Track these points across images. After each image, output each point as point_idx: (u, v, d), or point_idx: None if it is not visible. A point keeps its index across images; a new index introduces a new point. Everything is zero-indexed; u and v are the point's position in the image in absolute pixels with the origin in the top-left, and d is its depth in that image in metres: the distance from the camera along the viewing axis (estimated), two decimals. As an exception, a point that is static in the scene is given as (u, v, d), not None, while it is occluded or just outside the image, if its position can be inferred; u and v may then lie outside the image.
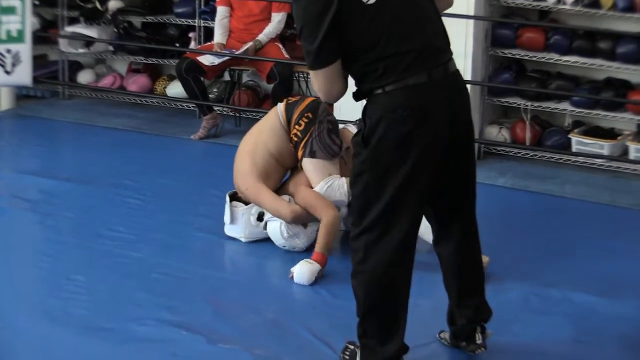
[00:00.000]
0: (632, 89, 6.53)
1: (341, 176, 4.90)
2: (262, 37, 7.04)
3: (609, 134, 6.56)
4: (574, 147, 6.55)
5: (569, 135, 6.58)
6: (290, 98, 5.11)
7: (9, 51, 7.18)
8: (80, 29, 8.00)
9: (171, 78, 7.92)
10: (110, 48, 8.20)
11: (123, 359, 3.86)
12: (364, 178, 3.43)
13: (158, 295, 4.39)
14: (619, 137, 6.51)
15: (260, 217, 4.97)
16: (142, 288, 4.47)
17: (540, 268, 4.80)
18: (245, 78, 7.79)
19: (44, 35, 8.20)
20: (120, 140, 7.11)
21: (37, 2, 7.93)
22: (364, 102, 3.47)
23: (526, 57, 6.73)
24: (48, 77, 8.17)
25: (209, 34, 7.53)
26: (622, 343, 4.06)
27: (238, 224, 5.03)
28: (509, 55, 6.71)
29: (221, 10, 7.15)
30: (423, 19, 3.41)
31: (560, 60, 6.59)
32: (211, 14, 7.46)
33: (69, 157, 6.98)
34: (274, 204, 4.84)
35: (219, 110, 7.35)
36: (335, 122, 5.02)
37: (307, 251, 4.82)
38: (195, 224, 5.28)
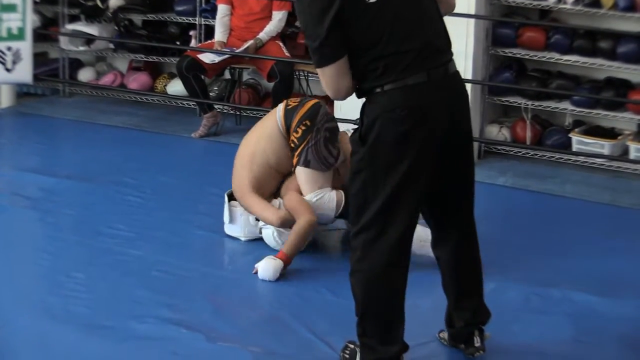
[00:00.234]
0: (632, 89, 6.53)
1: (333, 187, 4.88)
2: (263, 35, 7.04)
3: (610, 133, 6.56)
4: (575, 147, 6.55)
5: (570, 135, 6.58)
6: (290, 102, 5.00)
7: (9, 49, 7.18)
8: (81, 26, 8.01)
9: (172, 76, 7.91)
10: (111, 46, 8.20)
11: (123, 357, 3.86)
12: (362, 176, 3.43)
13: (158, 293, 4.39)
14: (619, 137, 6.51)
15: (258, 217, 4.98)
16: (142, 286, 4.47)
17: (541, 267, 4.80)
18: (245, 76, 7.80)
19: (45, 33, 8.21)
20: (120, 138, 7.11)
21: (37, 0, 7.93)
22: (364, 100, 3.47)
23: (527, 57, 6.73)
24: (48, 75, 8.16)
25: (209, 32, 7.53)
26: (623, 343, 4.05)
27: (237, 224, 5.03)
28: (510, 55, 6.71)
29: (222, 9, 7.15)
30: (424, 19, 3.41)
31: (561, 59, 6.59)
32: (212, 12, 7.46)
33: (69, 154, 6.97)
34: (262, 212, 4.84)
35: (219, 108, 7.35)
36: (334, 129, 4.93)
37: (305, 251, 4.81)
38: (196, 222, 5.28)
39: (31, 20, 7.32)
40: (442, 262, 3.78)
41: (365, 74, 3.39)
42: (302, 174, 4.83)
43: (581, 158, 6.53)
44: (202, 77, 7.15)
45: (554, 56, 6.61)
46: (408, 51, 3.35)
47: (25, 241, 5.21)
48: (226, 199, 5.04)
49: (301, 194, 4.85)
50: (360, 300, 3.54)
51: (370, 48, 3.35)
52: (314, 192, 4.81)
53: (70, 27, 8.08)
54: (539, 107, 6.68)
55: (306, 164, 4.81)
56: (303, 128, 4.81)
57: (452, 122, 3.45)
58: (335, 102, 6.72)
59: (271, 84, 7.17)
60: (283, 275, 4.59)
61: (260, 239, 4.98)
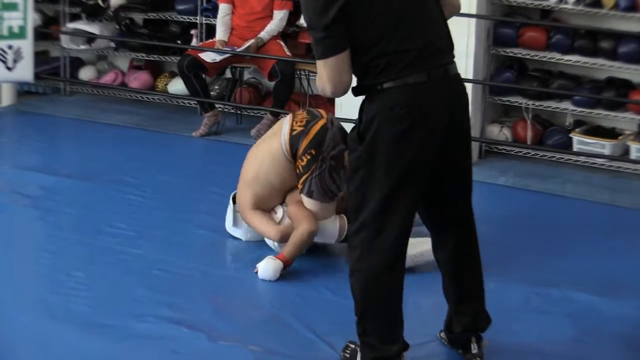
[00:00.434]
0: (633, 89, 6.53)
1: (337, 213, 4.85)
2: (264, 34, 7.04)
3: (610, 133, 6.56)
4: (575, 147, 6.55)
5: (570, 135, 6.58)
6: (295, 125, 4.75)
7: (10, 47, 7.18)
8: (82, 25, 8.01)
9: (173, 75, 7.92)
10: (112, 45, 8.20)
11: (123, 356, 3.86)
12: (360, 174, 3.43)
13: (158, 292, 4.39)
14: (620, 137, 6.51)
15: None
16: (143, 285, 4.47)
17: (541, 267, 4.80)
18: (246, 75, 7.80)
19: (46, 32, 8.22)
20: (121, 137, 7.11)
21: (38, -1, 7.95)
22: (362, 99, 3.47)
23: (528, 56, 6.73)
24: (49, 74, 8.16)
25: (210, 31, 7.53)
26: (623, 342, 4.06)
27: (240, 228, 5.03)
28: (511, 54, 6.71)
29: (223, 8, 7.16)
30: (427, 20, 3.41)
31: (562, 59, 6.59)
32: (213, 11, 7.46)
33: (70, 153, 6.98)
34: (263, 228, 4.81)
35: (220, 107, 7.35)
36: (340, 155, 4.74)
37: (305, 254, 4.82)
38: (196, 221, 5.28)
39: (32, 19, 7.32)
40: (442, 265, 3.78)
41: (366, 72, 3.39)
42: (308, 203, 4.76)
43: (582, 158, 6.53)
44: (203, 76, 7.15)
45: (555, 56, 6.61)
46: (409, 50, 3.36)
47: (25, 240, 5.21)
48: (231, 202, 5.02)
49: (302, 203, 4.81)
50: (359, 299, 3.54)
51: (372, 45, 3.35)
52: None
53: (72, 25, 8.08)
54: (539, 107, 6.68)
55: (309, 195, 4.72)
56: (308, 157, 4.69)
57: (451, 122, 3.44)
58: (336, 102, 6.74)
59: (272, 83, 7.18)
60: (283, 275, 4.59)
61: (261, 239, 4.97)
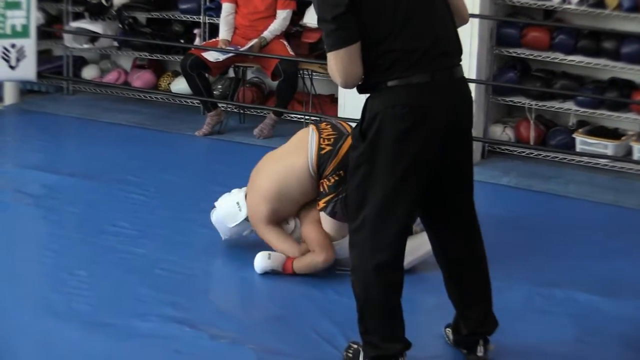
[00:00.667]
0: (636, 89, 6.53)
1: None
2: (267, 34, 7.04)
3: (613, 134, 6.56)
4: (578, 147, 6.55)
5: (573, 135, 6.58)
6: (323, 143, 4.64)
7: (13, 46, 7.18)
8: (85, 24, 8.01)
9: (176, 74, 7.92)
10: (115, 44, 8.20)
11: (126, 355, 3.86)
12: (361, 171, 3.44)
13: (161, 292, 4.39)
14: (623, 137, 6.51)
15: None
16: (145, 284, 4.47)
17: (543, 267, 4.80)
18: (249, 75, 7.80)
19: (49, 31, 8.22)
20: (124, 136, 7.11)
21: (42, -3, 7.95)
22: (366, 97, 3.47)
23: (531, 57, 6.73)
24: (52, 72, 8.17)
25: (213, 30, 7.53)
26: (625, 343, 4.06)
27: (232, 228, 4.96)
28: (514, 55, 6.71)
29: (226, 7, 7.16)
30: (435, 21, 3.42)
31: (565, 59, 6.59)
32: (216, 10, 7.46)
33: (72, 152, 6.98)
34: (280, 247, 4.71)
35: (223, 107, 7.35)
36: None
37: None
38: (199, 220, 5.27)
39: (35, 18, 7.33)
40: (442, 266, 3.77)
41: (371, 69, 3.39)
42: (326, 222, 4.68)
43: (585, 158, 6.53)
44: (206, 75, 7.15)
45: (558, 56, 6.61)
46: (414, 50, 3.36)
47: (28, 238, 5.21)
48: (240, 208, 4.85)
49: (320, 223, 4.72)
50: (360, 297, 3.54)
51: (379, 42, 3.35)
52: (337, 242, 4.74)
53: (75, 24, 8.08)
54: (542, 107, 6.67)
55: (332, 215, 4.65)
56: (336, 178, 4.61)
57: (453, 123, 3.45)
58: (339, 102, 6.74)
59: (275, 83, 7.18)
60: (284, 275, 4.59)
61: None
